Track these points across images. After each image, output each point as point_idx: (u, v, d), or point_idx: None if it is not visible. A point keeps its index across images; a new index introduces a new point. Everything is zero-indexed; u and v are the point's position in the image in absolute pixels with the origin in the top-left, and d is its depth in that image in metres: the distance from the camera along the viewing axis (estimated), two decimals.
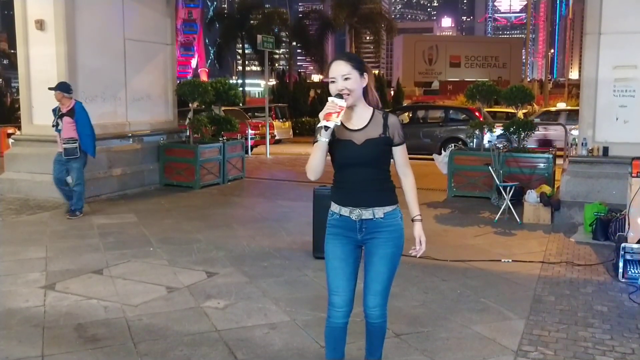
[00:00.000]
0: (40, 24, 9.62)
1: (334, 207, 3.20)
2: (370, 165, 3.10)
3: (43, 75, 9.74)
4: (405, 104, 33.56)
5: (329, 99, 2.99)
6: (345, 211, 3.15)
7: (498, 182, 8.96)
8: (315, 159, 3.08)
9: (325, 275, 3.21)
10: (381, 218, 3.12)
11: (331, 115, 2.94)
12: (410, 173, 3.23)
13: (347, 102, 3.02)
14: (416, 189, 3.25)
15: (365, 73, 3.10)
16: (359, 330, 3.93)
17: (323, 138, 3.01)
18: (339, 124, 2.96)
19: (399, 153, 3.18)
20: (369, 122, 3.12)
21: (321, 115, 2.96)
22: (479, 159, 10.07)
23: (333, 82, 3.07)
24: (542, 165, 9.78)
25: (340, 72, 3.05)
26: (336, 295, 3.16)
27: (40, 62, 9.77)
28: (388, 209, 3.14)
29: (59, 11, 9.53)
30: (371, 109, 3.17)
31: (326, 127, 2.95)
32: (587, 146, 8.22)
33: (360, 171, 3.10)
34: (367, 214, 3.11)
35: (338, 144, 3.09)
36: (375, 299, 3.16)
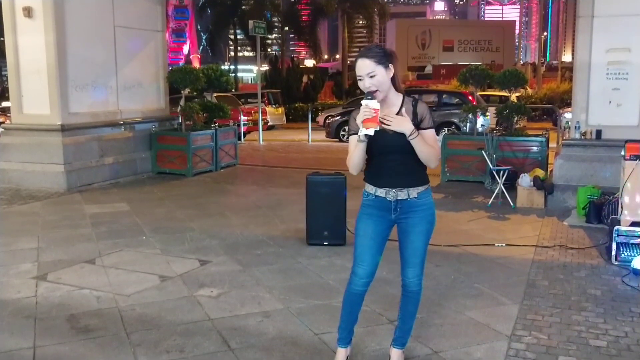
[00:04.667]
0: (29, 12, 9.48)
1: (370, 189, 3.35)
2: (403, 152, 3.19)
3: (32, 64, 9.65)
4: None
5: (362, 102, 3.07)
6: (381, 192, 3.30)
7: (491, 166, 8.95)
8: (355, 158, 3.23)
9: (353, 252, 3.43)
10: (415, 198, 3.28)
11: (368, 122, 3.02)
12: (435, 148, 3.23)
13: (378, 97, 3.13)
14: (431, 154, 3.19)
15: (390, 64, 3.18)
16: (369, 317, 3.94)
17: (363, 139, 3.11)
18: (378, 129, 3.05)
19: (427, 136, 3.22)
20: (399, 110, 3.22)
21: (359, 120, 3.07)
22: (472, 143, 10.05)
23: (360, 79, 3.16)
24: (535, 149, 9.77)
25: (365, 71, 3.13)
26: (360, 266, 3.36)
27: (29, 50, 9.65)
28: (421, 188, 3.30)
29: None
30: (401, 95, 3.28)
31: (367, 135, 3.06)
32: (580, 129, 8.20)
33: (394, 157, 3.24)
34: (402, 194, 3.27)
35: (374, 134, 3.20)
36: (414, 270, 3.41)
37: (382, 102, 3.20)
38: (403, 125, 3.10)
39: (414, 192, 3.27)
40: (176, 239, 6.63)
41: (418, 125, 3.20)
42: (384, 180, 3.29)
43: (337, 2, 39.51)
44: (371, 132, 3.04)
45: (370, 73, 3.12)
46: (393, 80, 3.22)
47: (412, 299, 3.48)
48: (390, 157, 3.24)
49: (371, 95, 3.10)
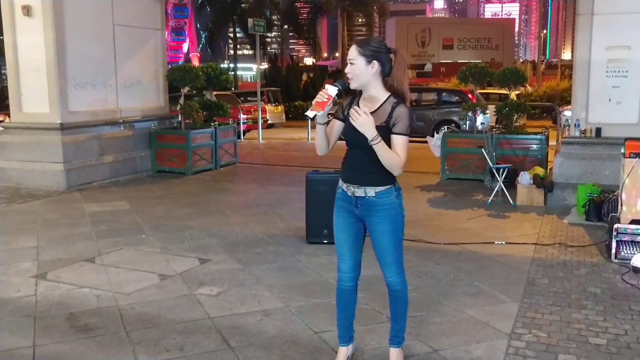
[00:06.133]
0: (27, 10, 9.46)
1: (339, 182, 3.41)
2: (366, 149, 3.14)
3: (31, 63, 9.64)
4: None
5: (326, 86, 3.18)
6: (344, 187, 3.35)
7: (491, 164, 8.95)
8: (316, 139, 3.36)
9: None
10: (373, 197, 3.25)
11: (317, 105, 3.12)
12: (401, 157, 3.16)
13: (352, 85, 3.22)
14: (394, 162, 3.14)
15: (375, 61, 3.18)
16: (368, 315, 3.91)
17: (320, 122, 3.22)
18: (320, 114, 3.13)
19: (395, 141, 3.18)
20: (377, 109, 3.22)
21: (313, 101, 3.16)
22: (472, 141, 10.05)
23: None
24: (535, 146, 9.77)
25: (349, 56, 3.23)
26: (341, 261, 3.45)
27: (29, 49, 9.63)
28: (380, 188, 3.25)
29: None
30: (387, 95, 3.25)
31: (306, 116, 3.17)
32: (580, 127, 8.20)
33: (359, 152, 3.23)
34: (359, 191, 3.27)
35: (347, 124, 3.26)
36: (390, 269, 3.37)
37: (363, 95, 3.28)
38: (366, 127, 3.07)
39: (371, 191, 3.24)
40: (176, 237, 6.63)
41: (390, 127, 3.17)
42: (346, 174, 3.35)
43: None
44: (311, 114, 3.13)
45: (351, 60, 3.19)
46: (387, 78, 3.23)
47: (398, 299, 3.46)
48: (356, 151, 3.26)
49: (340, 82, 3.19)
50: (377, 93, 3.25)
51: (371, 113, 3.17)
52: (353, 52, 3.19)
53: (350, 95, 3.36)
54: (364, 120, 3.06)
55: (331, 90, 3.14)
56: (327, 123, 3.28)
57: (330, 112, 3.22)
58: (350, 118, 3.12)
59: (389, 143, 3.16)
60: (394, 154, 3.14)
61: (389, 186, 3.26)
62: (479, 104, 12.04)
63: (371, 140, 3.08)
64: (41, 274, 5.39)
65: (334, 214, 3.44)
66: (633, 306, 4.53)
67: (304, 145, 16.97)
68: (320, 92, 3.16)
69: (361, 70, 3.18)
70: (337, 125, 3.34)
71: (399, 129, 3.16)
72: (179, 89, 11.81)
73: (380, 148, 3.10)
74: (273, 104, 23.64)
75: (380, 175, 3.22)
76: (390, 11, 52.14)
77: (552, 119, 20.90)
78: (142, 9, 11.37)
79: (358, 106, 3.22)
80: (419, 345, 3.89)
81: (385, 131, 3.15)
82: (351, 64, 3.19)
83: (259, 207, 8.33)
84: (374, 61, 3.17)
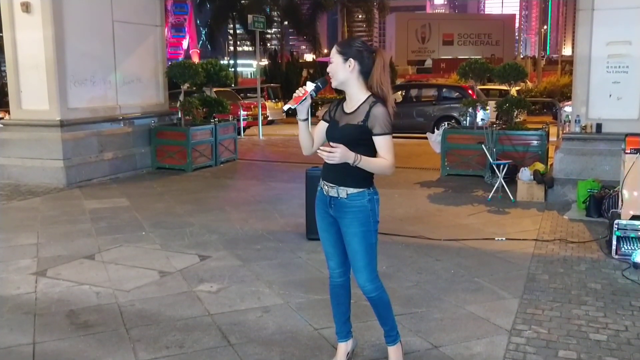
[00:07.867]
0: (26, 7, 9.44)
1: (320, 180, 3.39)
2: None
3: (31, 60, 9.63)
4: (398, 82, 33.37)
5: (307, 82, 3.27)
6: (321, 184, 3.36)
7: (491, 160, 8.93)
8: (299, 136, 3.42)
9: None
10: (345, 198, 3.23)
11: (295, 98, 3.20)
12: (387, 159, 3.15)
13: (332, 84, 3.25)
14: (383, 168, 3.15)
15: (352, 59, 3.18)
16: (368, 311, 3.91)
17: (300, 117, 3.28)
18: (294, 107, 3.21)
19: (378, 143, 3.15)
20: (357, 109, 3.22)
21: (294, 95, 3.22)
22: (472, 137, 10.03)
23: None
24: (535, 142, 9.75)
25: (330, 55, 3.26)
26: (329, 259, 3.47)
27: (28, 46, 9.62)
28: (352, 190, 3.22)
29: None
30: (367, 95, 3.23)
31: (283, 109, 3.32)
32: (581, 123, 8.18)
33: None
34: (332, 191, 3.26)
35: (330, 125, 3.31)
36: (361, 275, 3.31)
37: (345, 95, 3.29)
38: (344, 158, 3.03)
39: (343, 192, 3.21)
40: (176, 234, 6.62)
41: (368, 129, 3.13)
42: (324, 172, 3.33)
43: None
44: (285, 107, 3.26)
45: (331, 58, 3.23)
46: (367, 78, 3.21)
47: (377, 305, 3.40)
48: None
49: (321, 80, 3.26)
50: (357, 92, 3.23)
51: (350, 113, 3.21)
52: (333, 51, 3.23)
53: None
54: (339, 154, 3.02)
55: (309, 86, 3.20)
56: (310, 121, 3.36)
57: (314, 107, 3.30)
58: (325, 160, 3.08)
59: (369, 143, 3.15)
60: (380, 161, 3.13)
61: (361, 189, 3.22)
62: (479, 99, 12.01)
63: (354, 163, 3.07)
64: (41, 271, 5.38)
65: (315, 213, 3.44)
66: (633, 302, 4.52)
67: None
68: (298, 89, 3.21)
69: (338, 68, 3.19)
70: (324, 126, 3.35)
71: (378, 130, 3.12)
72: (179, 86, 11.80)
73: (365, 164, 3.09)
74: (273, 101, 23.60)
75: (355, 176, 3.19)
76: (390, 7, 51.96)
77: (552, 114, 20.87)
78: (141, 5, 11.34)
79: (342, 107, 3.27)
80: (419, 341, 3.89)
81: (362, 131, 3.14)
82: (330, 62, 3.23)
83: (259, 203, 8.32)
84: (351, 59, 3.17)
